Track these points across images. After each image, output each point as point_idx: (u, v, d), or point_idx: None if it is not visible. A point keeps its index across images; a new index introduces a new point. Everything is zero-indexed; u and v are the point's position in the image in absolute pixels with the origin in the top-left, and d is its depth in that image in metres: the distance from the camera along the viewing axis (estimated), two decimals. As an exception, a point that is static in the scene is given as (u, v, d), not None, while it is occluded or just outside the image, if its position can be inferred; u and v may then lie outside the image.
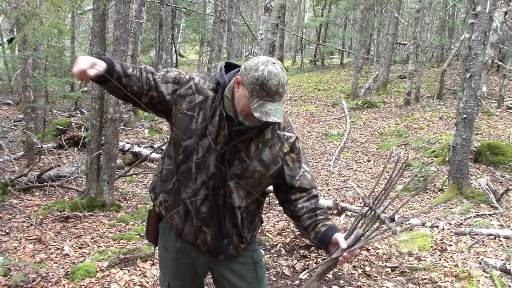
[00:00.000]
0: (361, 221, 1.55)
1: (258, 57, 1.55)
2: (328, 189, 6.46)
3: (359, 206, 5.52)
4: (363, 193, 1.52)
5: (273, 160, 1.64)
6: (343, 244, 1.51)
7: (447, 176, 5.88)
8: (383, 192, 1.51)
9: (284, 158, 1.67)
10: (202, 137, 1.59)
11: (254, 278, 1.81)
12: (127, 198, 5.46)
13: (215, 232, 1.67)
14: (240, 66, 1.65)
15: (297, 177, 1.68)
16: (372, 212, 1.51)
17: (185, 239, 1.72)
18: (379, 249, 4.00)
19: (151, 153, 7.04)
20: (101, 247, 3.79)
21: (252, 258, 1.82)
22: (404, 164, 1.49)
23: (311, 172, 1.74)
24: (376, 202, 1.53)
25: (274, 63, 1.51)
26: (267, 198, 1.87)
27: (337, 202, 5.36)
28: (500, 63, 12.22)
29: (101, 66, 1.47)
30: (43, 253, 3.65)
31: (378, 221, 1.49)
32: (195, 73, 1.66)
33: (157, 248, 1.87)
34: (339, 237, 1.55)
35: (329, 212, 5.39)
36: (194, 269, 1.79)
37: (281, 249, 4.00)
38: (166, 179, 1.70)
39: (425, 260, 3.74)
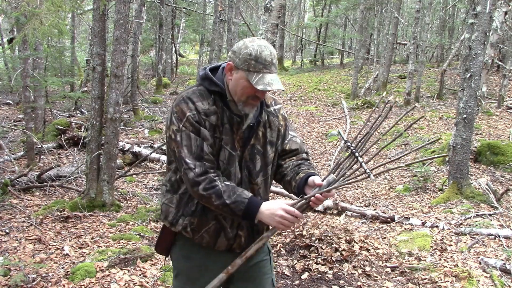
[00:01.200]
0: (340, 166, 1.57)
1: (242, 40, 1.60)
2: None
3: (360, 206, 5.52)
4: (345, 136, 1.65)
5: (277, 136, 1.75)
6: (318, 182, 1.55)
7: (447, 176, 5.88)
8: (365, 135, 1.50)
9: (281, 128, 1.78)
10: (219, 150, 1.61)
11: (269, 268, 1.84)
12: (127, 198, 5.46)
13: (248, 232, 1.71)
14: (220, 65, 1.69)
15: (286, 141, 1.78)
16: (352, 155, 1.51)
17: (217, 250, 1.70)
18: (379, 249, 4.00)
19: (151, 153, 7.04)
20: (101, 247, 3.79)
21: (267, 246, 1.86)
22: (390, 108, 1.48)
23: (299, 137, 1.83)
24: (357, 145, 1.52)
25: (259, 39, 1.60)
26: None
27: (337, 202, 5.36)
28: (500, 63, 12.22)
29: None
30: (43, 253, 3.65)
31: (357, 164, 1.51)
32: (190, 102, 1.58)
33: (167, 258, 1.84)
34: (316, 178, 1.58)
35: (329, 210, 5.39)
36: (220, 271, 1.72)
37: (281, 249, 4.00)
38: (186, 202, 1.67)
39: (425, 260, 3.74)
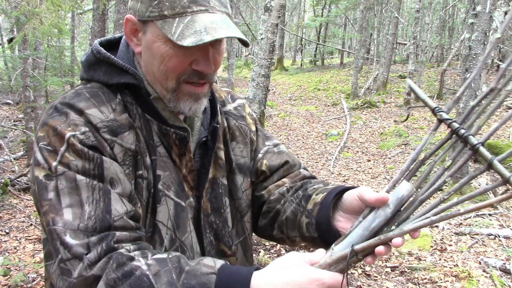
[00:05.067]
0: (427, 164, 0.77)
1: None
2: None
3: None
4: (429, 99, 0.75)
5: (250, 154, 1.02)
6: (378, 196, 0.73)
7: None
8: (472, 108, 0.74)
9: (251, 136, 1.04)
10: (155, 203, 0.84)
11: None
12: (127, 198, 5.46)
13: None
14: (120, 37, 0.93)
15: (259, 155, 1.02)
16: (460, 141, 0.72)
17: None
18: (379, 249, 4.00)
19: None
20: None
21: None
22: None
23: (281, 143, 1.08)
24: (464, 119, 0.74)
25: None
26: None
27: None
28: (500, 63, 12.22)
29: None
30: (43, 252, 3.66)
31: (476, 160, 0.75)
32: (73, 111, 0.79)
33: None
34: (364, 190, 0.77)
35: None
36: None
37: (281, 248, 4.00)
38: None
39: (425, 260, 3.74)
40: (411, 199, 0.73)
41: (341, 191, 0.85)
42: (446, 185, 5.74)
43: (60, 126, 0.77)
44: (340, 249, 0.73)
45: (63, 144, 0.76)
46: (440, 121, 0.74)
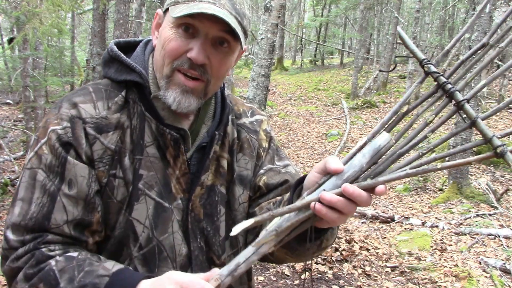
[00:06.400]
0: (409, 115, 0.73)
1: None
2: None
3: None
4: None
5: (255, 168, 1.01)
6: (335, 164, 0.71)
7: (447, 176, 5.88)
8: (460, 63, 0.75)
9: (262, 153, 1.03)
10: (131, 201, 0.86)
11: None
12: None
13: None
14: (141, 40, 0.99)
15: (262, 171, 1.00)
16: (445, 96, 0.71)
17: None
18: (379, 249, 4.00)
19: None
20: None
21: None
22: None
23: (294, 167, 1.05)
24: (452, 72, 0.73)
25: None
26: None
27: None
28: (500, 63, 12.23)
29: None
30: (43, 252, 3.66)
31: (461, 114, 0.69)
32: (69, 105, 0.85)
33: None
34: (329, 160, 0.73)
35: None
36: None
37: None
38: None
39: (425, 260, 3.75)
40: (389, 152, 0.71)
41: (301, 180, 0.83)
42: (445, 186, 5.74)
43: (50, 119, 0.84)
44: (312, 196, 0.71)
45: (45, 136, 0.83)
46: (427, 73, 0.72)
